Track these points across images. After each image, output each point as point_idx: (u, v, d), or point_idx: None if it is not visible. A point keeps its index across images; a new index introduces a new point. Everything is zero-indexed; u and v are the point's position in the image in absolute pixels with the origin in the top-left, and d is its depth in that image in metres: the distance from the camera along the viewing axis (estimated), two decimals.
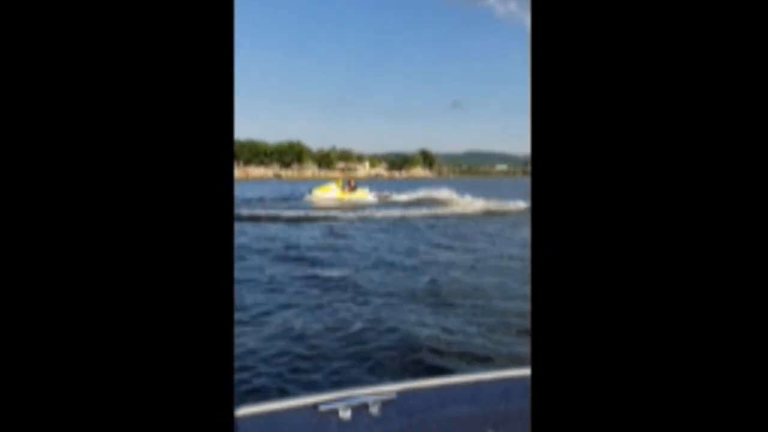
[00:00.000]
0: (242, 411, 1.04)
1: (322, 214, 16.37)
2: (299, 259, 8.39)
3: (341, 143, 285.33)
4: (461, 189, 24.16)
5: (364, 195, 22.20)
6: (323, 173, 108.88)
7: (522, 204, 18.37)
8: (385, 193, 24.77)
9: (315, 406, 1.07)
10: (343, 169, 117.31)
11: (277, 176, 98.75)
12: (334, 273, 7.26)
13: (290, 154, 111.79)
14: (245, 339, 4.26)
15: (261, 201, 22.24)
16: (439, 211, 18.20)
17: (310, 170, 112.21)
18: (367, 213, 16.83)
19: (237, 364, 3.52)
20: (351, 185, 22.56)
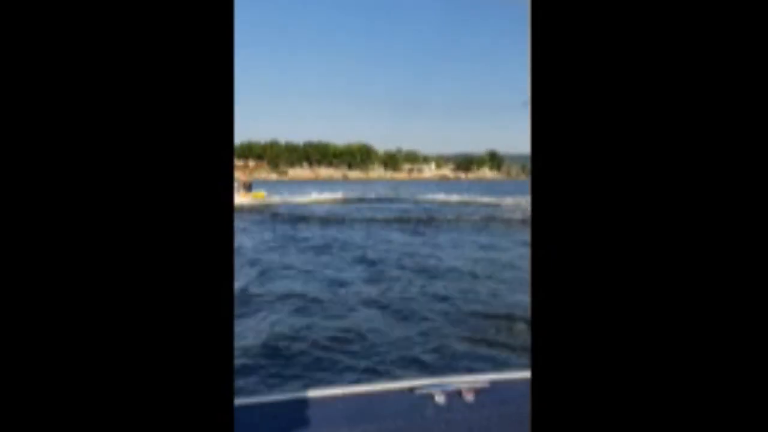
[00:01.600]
0: (342, 390, 1.12)
1: None
2: None
3: (408, 144, 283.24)
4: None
5: (262, 195, 23.46)
6: (389, 174, 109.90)
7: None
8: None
9: (411, 389, 1.14)
10: (409, 170, 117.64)
11: (345, 177, 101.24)
12: None
13: (358, 156, 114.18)
14: None
15: None
16: None
17: (377, 171, 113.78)
18: None
19: None
20: (246, 186, 23.24)
